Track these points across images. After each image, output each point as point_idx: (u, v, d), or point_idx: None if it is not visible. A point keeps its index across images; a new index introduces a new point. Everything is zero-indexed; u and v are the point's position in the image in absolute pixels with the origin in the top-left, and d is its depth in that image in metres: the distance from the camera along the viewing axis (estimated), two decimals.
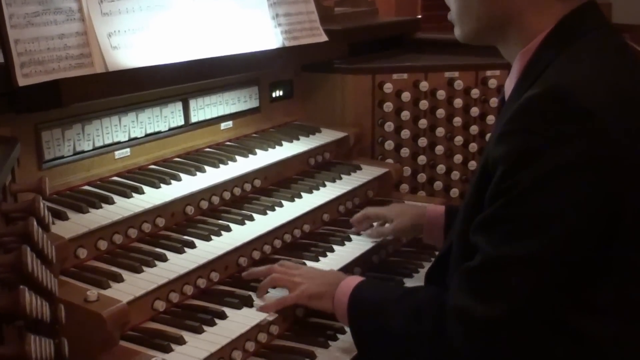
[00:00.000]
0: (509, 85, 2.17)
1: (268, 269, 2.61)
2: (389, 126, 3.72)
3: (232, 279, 2.67)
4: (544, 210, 1.90)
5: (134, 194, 2.65)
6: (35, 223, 1.73)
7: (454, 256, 2.20)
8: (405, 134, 3.73)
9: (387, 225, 3.07)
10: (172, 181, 2.79)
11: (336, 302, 2.43)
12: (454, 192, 3.82)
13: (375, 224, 3.10)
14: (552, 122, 1.88)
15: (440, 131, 3.77)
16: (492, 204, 1.98)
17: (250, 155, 3.15)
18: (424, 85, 3.72)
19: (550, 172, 1.88)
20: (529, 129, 1.91)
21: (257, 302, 2.53)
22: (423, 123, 3.75)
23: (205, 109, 3.22)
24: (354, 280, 2.45)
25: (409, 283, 2.92)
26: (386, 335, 2.26)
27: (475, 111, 3.78)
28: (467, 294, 2.02)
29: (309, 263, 2.78)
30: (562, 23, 2.05)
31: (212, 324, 2.37)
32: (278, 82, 3.65)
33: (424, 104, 3.73)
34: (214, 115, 3.27)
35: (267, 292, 2.58)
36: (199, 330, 2.33)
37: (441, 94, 3.75)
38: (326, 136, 3.58)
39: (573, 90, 1.89)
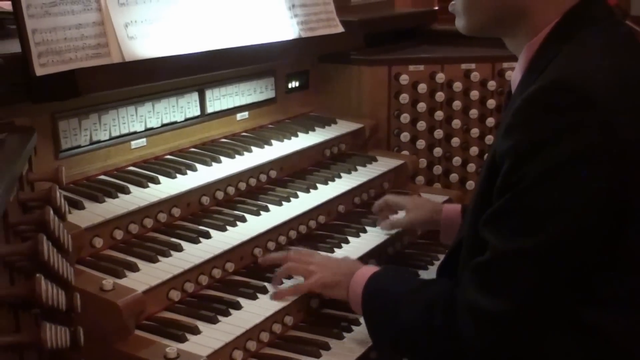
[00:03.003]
0: (516, 78, 2.17)
1: (284, 257, 2.62)
2: (405, 118, 3.71)
3: (247, 269, 2.67)
4: (551, 203, 1.89)
5: (150, 184, 2.65)
6: (51, 212, 1.74)
7: (464, 250, 2.20)
8: (421, 125, 3.73)
9: (402, 215, 3.05)
10: (188, 171, 2.80)
11: (351, 292, 2.43)
12: (470, 184, 3.81)
13: (390, 216, 3.10)
14: (557, 114, 1.88)
15: (456, 123, 3.76)
16: (500, 197, 1.98)
17: (265, 146, 3.15)
18: (441, 77, 3.72)
19: (556, 165, 1.87)
20: (534, 122, 1.91)
21: (272, 292, 2.53)
22: (439, 115, 3.74)
23: (221, 99, 3.22)
24: (369, 270, 2.46)
25: (424, 275, 2.92)
26: (399, 328, 2.27)
27: (491, 103, 3.77)
28: (477, 289, 2.03)
29: (324, 254, 2.78)
30: (569, 15, 2.05)
31: (227, 314, 2.38)
32: (294, 73, 3.65)
33: (440, 96, 3.72)
34: (230, 105, 3.27)
35: (282, 282, 2.58)
36: (213, 320, 2.34)
37: (457, 86, 3.74)
38: (342, 127, 3.58)
39: (577, 82, 1.88)
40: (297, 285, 2.55)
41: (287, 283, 2.58)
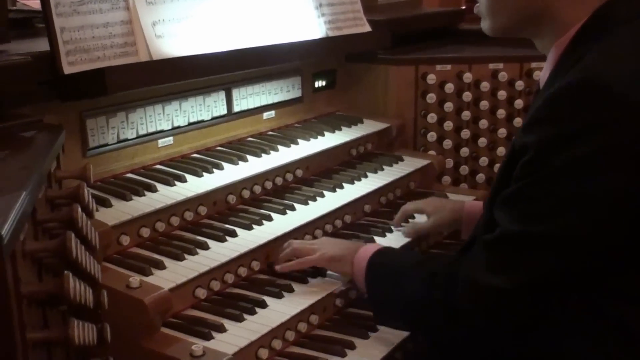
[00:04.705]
0: (544, 76, 2.17)
1: (288, 243, 2.67)
2: (432, 117, 3.70)
3: (273, 268, 2.67)
4: (568, 193, 1.90)
5: (176, 183, 2.66)
6: (79, 209, 1.75)
7: (479, 236, 2.21)
8: (448, 125, 3.71)
9: (424, 220, 3.04)
10: (215, 170, 2.81)
11: (355, 265, 2.49)
12: None
13: (410, 220, 3.08)
14: (584, 110, 1.88)
15: (483, 123, 3.74)
16: (517, 182, 2.00)
17: (292, 145, 3.16)
18: (468, 77, 3.70)
19: (578, 159, 1.88)
20: (560, 117, 1.91)
21: (298, 292, 2.54)
22: (466, 115, 3.72)
23: (248, 98, 3.22)
24: (374, 246, 2.53)
25: None
26: (400, 299, 2.32)
27: (519, 103, 3.75)
28: (481, 264, 2.05)
29: (327, 237, 2.81)
30: (597, 14, 2.04)
31: (252, 312, 2.38)
32: (321, 72, 3.65)
33: (467, 96, 3.71)
34: (257, 104, 3.28)
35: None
36: (239, 319, 2.34)
37: (485, 86, 3.72)
38: (368, 127, 3.57)
39: (605, 79, 1.88)
40: (303, 259, 2.60)
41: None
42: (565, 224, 1.91)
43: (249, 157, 2.95)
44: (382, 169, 3.37)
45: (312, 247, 2.62)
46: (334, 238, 2.76)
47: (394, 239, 2.97)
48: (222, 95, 3.10)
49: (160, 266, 2.36)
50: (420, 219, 3.07)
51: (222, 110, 3.11)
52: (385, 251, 2.52)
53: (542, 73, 2.20)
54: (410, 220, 3.09)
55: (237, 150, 3.01)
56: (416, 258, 2.47)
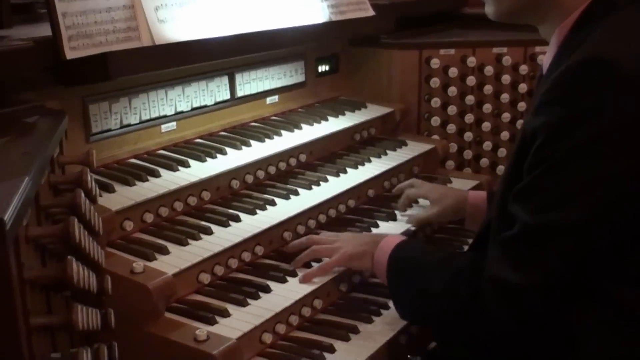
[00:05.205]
0: (547, 60, 2.18)
1: (308, 241, 2.64)
2: (436, 102, 3.69)
3: (277, 253, 2.67)
4: (581, 179, 1.90)
5: (180, 168, 2.66)
6: (82, 195, 1.75)
7: (494, 227, 2.20)
8: (452, 110, 3.71)
9: (428, 206, 3.04)
10: (218, 155, 2.80)
11: (376, 260, 2.47)
12: (500, 169, 3.78)
13: (414, 205, 3.08)
14: (590, 91, 1.88)
15: (487, 107, 3.73)
16: (530, 173, 1.99)
17: (295, 130, 3.15)
18: (472, 61, 3.69)
19: (588, 142, 1.88)
20: (567, 99, 1.91)
21: (300, 275, 2.53)
22: (470, 99, 3.72)
23: (251, 83, 3.22)
24: (395, 239, 2.49)
25: None
26: (423, 297, 2.30)
27: (523, 88, 3.74)
28: (503, 262, 2.03)
29: (348, 233, 2.77)
30: None
31: (256, 297, 2.38)
32: (324, 57, 3.64)
33: (471, 80, 3.70)
34: (260, 89, 3.27)
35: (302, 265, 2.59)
36: (243, 303, 2.34)
37: (489, 70, 3.71)
38: (372, 111, 3.56)
39: (611, 60, 1.88)
40: (324, 263, 2.56)
41: (316, 266, 2.59)
42: (581, 210, 1.91)
43: (252, 142, 2.95)
44: (386, 154, 3.37)
45: (332, 246, 2.58)
46: (354, 232, 2.72)
47: (398, 224, 2.97)
48: (225, 80, 3.10)
49: (164, 251, 2.36)
50: (425, 203, 3.06)
51: (225, 95, 3.11)
52: (406, 246, 2.48)
53: (545, 58, 2.20)
54: (414, 204, 3.08)
55: (240, 135, 3.01)
56: (439, 254, 2.42)
